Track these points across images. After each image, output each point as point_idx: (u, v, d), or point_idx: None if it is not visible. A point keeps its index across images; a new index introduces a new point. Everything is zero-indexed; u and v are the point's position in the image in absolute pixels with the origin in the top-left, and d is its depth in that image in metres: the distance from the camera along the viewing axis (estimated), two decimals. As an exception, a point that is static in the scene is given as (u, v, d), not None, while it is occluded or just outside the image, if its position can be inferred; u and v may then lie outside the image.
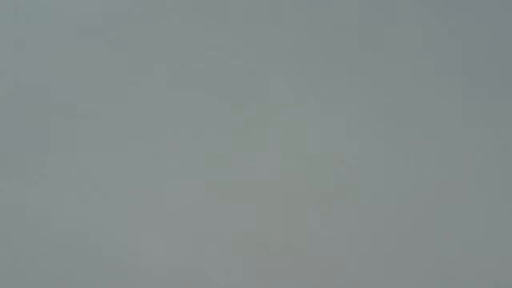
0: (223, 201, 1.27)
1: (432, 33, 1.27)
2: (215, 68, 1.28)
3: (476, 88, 1.27)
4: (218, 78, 1.28)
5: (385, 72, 1.28)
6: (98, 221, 1.26)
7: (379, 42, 1.28)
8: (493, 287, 1.25)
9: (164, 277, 1.25)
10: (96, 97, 1.27)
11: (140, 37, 1.27)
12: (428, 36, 1.28)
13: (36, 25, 1.27)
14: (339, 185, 1.26)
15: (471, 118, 1.27)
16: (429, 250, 1.26)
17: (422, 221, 1.26)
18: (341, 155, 1.26)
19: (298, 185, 1.26)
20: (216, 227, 1.26)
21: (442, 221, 1.26)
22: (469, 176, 1.27)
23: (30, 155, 1.27)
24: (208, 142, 1.27)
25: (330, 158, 1.26)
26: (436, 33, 1.27)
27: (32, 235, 1.26)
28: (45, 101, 1.27)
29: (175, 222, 1.26)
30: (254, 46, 1.27)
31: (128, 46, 1.27)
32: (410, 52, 1.28)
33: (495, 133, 1.27)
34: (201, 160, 1.27)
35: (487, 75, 1.28)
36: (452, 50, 1.28)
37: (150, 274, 1.26)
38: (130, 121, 1.28)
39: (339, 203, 1.26)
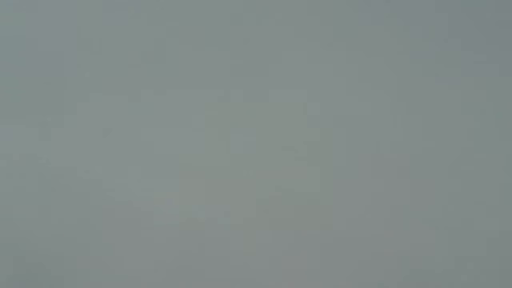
0: (234, 151, 1.30)
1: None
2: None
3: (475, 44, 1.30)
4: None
5: (388, 33, 1.30)
6: (110, 170, 1.31)
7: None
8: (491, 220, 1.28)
9: (175, 225, 1.29)
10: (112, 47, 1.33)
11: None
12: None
13: None
14: (346, 137, 1.30)
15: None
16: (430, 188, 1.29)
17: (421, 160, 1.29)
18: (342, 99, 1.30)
19: (304, 134, 1.29)
20: (228, 176, 1.29)
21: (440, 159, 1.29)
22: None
23: (43, 105, 1.32)
24: (219, 94, 1.31)
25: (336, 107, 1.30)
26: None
27: (46, 184, 1.31)
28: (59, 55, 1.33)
29: (187, 171, 1.30)
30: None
31: None
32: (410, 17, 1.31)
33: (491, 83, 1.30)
34: (213, 110, 1.31)
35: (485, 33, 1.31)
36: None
37: (162, 222, 1.30)
38: (143, 69, 1.31)
39: (346, 152, 1.29)
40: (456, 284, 1.26)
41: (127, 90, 1.32)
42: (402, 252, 1.27)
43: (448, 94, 1.28)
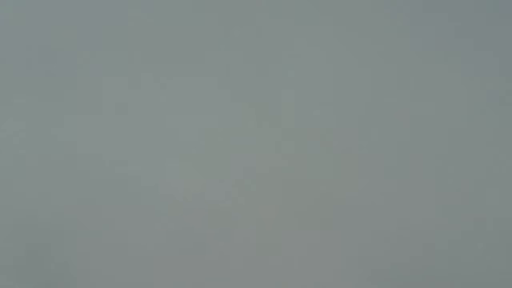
0: (238, 131, 1.31)
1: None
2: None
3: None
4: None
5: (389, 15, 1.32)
6: (115, 149, 1.32)
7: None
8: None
9: (178, 202, 1.30)
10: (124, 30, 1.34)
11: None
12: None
13: None
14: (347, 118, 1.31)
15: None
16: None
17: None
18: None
19: (310, 119, 1.30)
20: (230, 155, 1.31)
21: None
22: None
23: (51, 83, 1.33)
24: (223, 75, 1.32)
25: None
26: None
27: (51, 163, 1.32)
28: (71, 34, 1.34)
29: (191, 150, 1.31)
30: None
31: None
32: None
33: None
34: (215, 93, 1.32)
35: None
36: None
37: (166, 200, 1.31)
38: (153, 51, 1.32)
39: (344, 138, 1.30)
40: (465, 259, 1.27)
41: (137, 71, 1.33)
42: (411, 227, 1.28)
43: (451, 77, 1.30)
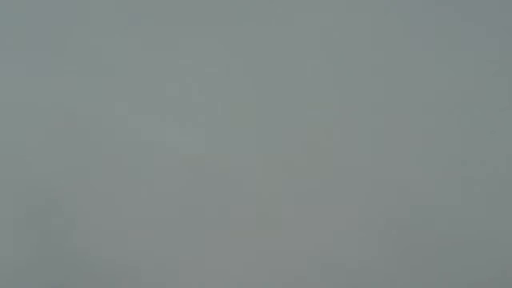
0: (239, 84, 1.30)
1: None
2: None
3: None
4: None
5: None
6: (113, 107, 1.31)
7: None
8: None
9: (176, 161, 1.31)
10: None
11: None
12: None
13: None
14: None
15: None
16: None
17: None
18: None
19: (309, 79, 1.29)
20: (228, 111, 1.30)
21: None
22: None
23: (41, 42, 1.33)
24: (223, 29, 1.30)
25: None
26: None
27: (53, 122, 1.32)
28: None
29: (187, 108, 1.31)
30: None
31: None
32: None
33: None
34: (216, 44, 1.30)
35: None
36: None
37: (165, 158, 1.31)
38: (147, 6, 1.31)
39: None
40: (461, 220, 1.27)
41: (127, 26, 1.32)
42: (406, 187, 1.27)
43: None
